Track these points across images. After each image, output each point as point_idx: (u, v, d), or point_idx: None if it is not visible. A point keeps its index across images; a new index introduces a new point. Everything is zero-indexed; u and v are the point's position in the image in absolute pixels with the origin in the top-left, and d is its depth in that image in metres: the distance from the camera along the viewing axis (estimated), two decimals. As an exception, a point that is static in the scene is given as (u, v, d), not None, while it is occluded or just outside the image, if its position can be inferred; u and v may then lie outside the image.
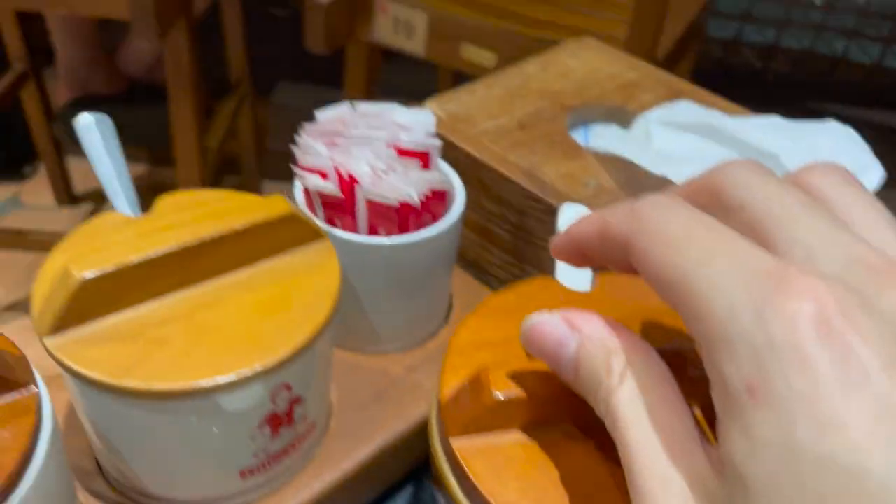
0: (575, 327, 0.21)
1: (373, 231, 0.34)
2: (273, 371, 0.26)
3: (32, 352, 0.25)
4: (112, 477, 0.31)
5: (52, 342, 0.26)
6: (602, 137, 0.44)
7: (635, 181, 0.38)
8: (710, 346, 0.17)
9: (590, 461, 0.23)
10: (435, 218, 0.35)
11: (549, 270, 0.41)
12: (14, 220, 1.41)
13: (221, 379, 0.25)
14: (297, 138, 0.34)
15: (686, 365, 0.22)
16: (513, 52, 0.90)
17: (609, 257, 0.21)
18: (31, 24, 1.23)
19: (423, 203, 0.33)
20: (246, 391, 0.26)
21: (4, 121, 1.33)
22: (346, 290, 0.34)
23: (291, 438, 0.30)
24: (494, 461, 0.23)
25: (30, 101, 1.28)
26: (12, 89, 1.22)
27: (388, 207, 0.33)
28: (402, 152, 0.34)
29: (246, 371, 0.26)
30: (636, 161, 0.39)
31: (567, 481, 0.22)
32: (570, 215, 0.33)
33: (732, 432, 0.16)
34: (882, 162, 0.37)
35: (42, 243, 1.18)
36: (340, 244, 0.33)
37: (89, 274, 0.25)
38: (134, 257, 0.26)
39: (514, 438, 0.23)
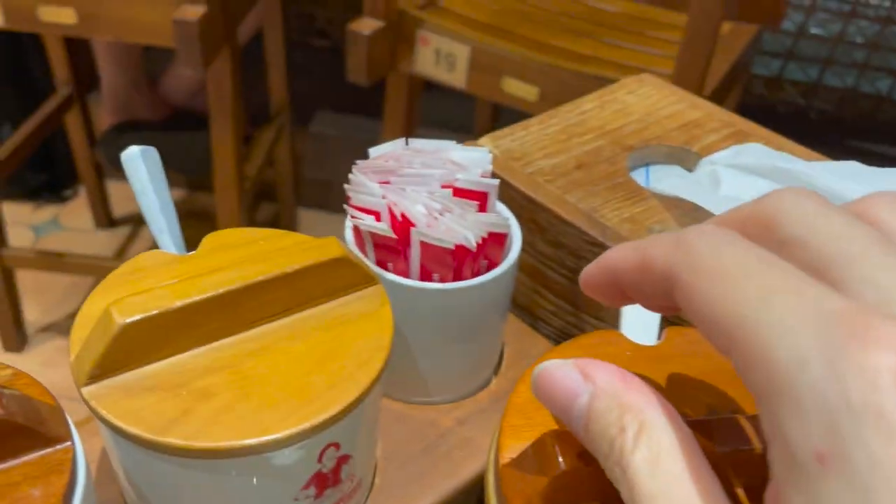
0: (589, 377, 0.18)
1: (425, 274, 0.33)
2: (322, 429, 0.24)
3: (67, 379, 0.24)
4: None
5: (89, 391, 0.24)
6: (664, 179, 0.42)
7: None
8: (770, 400, 0.14)
9: None
10: (490, 261, 0.33)
11: (607, 319, 0.39)
12: (53, 242, 1.43)
13: (267, 438, 0.23)
14: (350, 176, 0.32)
15: (716, 436, 0.20)
16: (555, 87, 0.89)
17: (648, 292, 0.19)
18: (77, 50, 1.25)
19: (478, 246, 0.31)
20: (293, 450, 0.24)
21: (47, 144, 1.35)
22: (396, 336, 0.32)
23: (337, 498, 0.28)
24: None
25: (73, 124, 1.30)
26: (57, 113, 1.24)
27: (444, 251, 0.31)
28: (459, 192, 0.32)
29: (293, 429, 0.24)
30: (703, 205, 0.37)
31: None
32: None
33: (795, 503, 0.14)
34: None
35: (80, 266, 1.18)
36: (391, 288, 0.31)
37: (131, 318, 0.24)
38: (178, 301, 0.25)
39: None
